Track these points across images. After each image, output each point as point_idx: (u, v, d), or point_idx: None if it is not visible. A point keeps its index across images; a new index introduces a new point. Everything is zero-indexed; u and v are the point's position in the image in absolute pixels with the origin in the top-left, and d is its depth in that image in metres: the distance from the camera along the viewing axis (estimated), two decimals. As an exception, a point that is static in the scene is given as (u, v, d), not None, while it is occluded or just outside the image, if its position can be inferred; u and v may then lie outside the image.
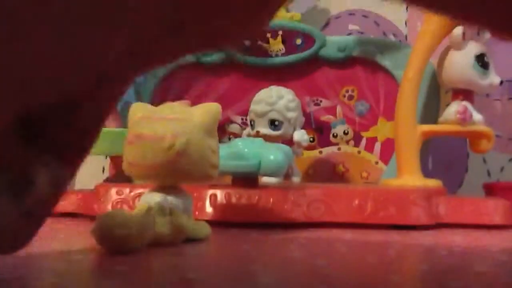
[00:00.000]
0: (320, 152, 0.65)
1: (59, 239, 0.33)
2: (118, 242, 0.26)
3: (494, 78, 0.52)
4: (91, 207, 0.44)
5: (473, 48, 0.51)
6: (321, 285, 0.20)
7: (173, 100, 0.65)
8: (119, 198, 0.43)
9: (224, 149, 0.39)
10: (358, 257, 0.27)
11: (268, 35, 0.66)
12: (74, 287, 0.20)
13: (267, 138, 0.51)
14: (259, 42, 0.66)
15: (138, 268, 0.23)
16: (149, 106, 0.32)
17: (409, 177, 0.50)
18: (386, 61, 0.63)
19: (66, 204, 0.49)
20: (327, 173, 0.64)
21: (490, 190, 0.54)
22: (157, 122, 0.30)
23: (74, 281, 0.21)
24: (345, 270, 0.24)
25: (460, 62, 0.51)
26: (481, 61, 0.51)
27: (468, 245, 0.32)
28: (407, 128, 0.52)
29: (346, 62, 0.65)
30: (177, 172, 0.30)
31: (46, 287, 0.19)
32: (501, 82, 0.52)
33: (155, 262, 0.25)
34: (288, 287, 0.20)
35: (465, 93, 0.52)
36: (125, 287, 0.19)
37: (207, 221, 0.34)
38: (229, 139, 0.66)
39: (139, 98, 0.59)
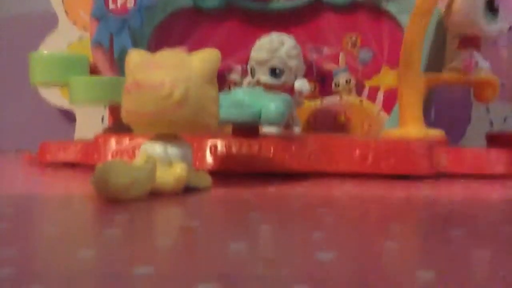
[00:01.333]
0: (322, 101, 0.64)
1: (59, 188, 0.33)
2: (116, 191, 0.26)
3: (503, 24, 0.50)
4: (91, 157, 0.44)
5: (482, -7, 0.49)
6: (321, 232, 0.20)
7: (171, 47, 0.63)
8: (118, 148, 0.43)
9: (224, 98, 0.38)
10: (359, 206, 0.27)
11: (269, -21, 0.63)
12: (75, 235, 0.20)
13: (267, 86, 0.50)
14: (260, -13, 0.64)
15: (138, 217, 0.23)
16: (146, 53, 0.31)
17: (412, 127, 0.49)
18: (391, 6, 0.60)
19: (66, 154, 0.49)
20: (328, 123, 0.64)
21: (493, 140, 0.54)
22: (155, 69, 0.29)
23: (75, 229, 0.21)
24: (345, 218, 0.24)
25: (469, 7, 0.49)
26: (491, 6, 0.49)
27: (469, 194, 0.32)
28: (411, 76, 0.51)
29: (349, 7, 0.63)
30: (176, 121, 0.29)
31: (46, 235, 0.19)
32: (510, 28, 0.51)
33: (156, 211, 0.25)
34: (288, 233, 0.20)
35: (472, 40, 0.50)
36: (126, 235, 0.19)
37: (207, 171, 0.34)
38: (229, 88, 0.65)
39: (135, 45, 0.58)
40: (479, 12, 0.49)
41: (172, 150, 0.30)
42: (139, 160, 0.29)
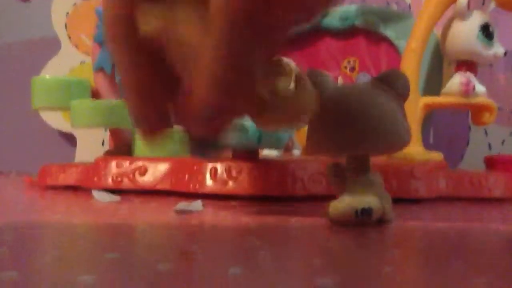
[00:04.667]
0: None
1: (60, 211, 0.33)
2: None
3: (498, 49, 0.51)
4: (91, 180, 0.44)
5: (477, 18, 0.50)
6: (321, 259, 0.20)
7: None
8: (119, 171, 0.43)
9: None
10: (358, 230, 0.27)
11: (269, 5, 0.65)
12: (75, 260, 0.20)
13: (267, 110, 0.51)
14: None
15: (138, 241, 0.23)
16: None
17: (411, 150, 0.50)
18: (388, 31, 0.62)
19: (66, 176, 0.49)
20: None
21: (491, 163, 0.54)
22: None
23: (75, 254, 0.21)
24: (345, 243, 0.24)
25: (464, 32, 0.50)
26: (486, 31, 0.50)
27: (468, 218, 0.32)
28: (409, 100, 0.51)
29: (348, 32, 0.64)
30: None
31: (47, 259, 0.19)
32: (505, 53, 0.51)
33: (156, 236, 0.25)
34: (287, 260, 0.20)
35: (468, 64, 0.51)
36: (126, 260, 0.19)
37: (207, 194, 0.34)
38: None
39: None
40: (474, 38, 0.50)
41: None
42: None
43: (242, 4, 0.18)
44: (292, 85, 0.26)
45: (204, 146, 0.25)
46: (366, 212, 0.27)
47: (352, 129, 0.26)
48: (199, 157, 0.25)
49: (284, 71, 0.27)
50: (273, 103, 0.25)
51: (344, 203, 0.28)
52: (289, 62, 0.27)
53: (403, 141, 0.28)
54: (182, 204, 0.34)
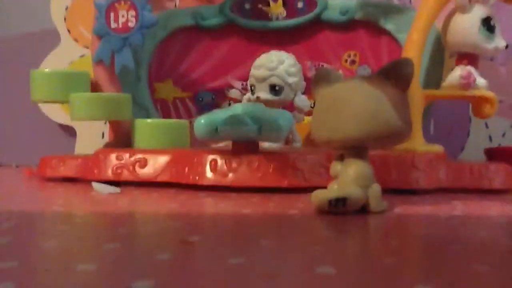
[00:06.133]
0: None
1: (60, 203, 0.33)
2: None
3: (499, 42, 0.50)
4: (91, 172, 0.44)
5: (479, 11, 0.50)
6: (321, 247, 0.20)
7: (171, 63, 0.63)
8: (119, 163, 0.43)
9: (225, 114, 0.38)
10: (358, 220, 0.27)
11: (269, -2, 0.64)
12: (76, 249, 0.20)
13: (267, 103, 0.51)
14: (260, 6, 0.65)
15: (139, 231, 0.23)
16: None
17: (411, 141, 0.49)
18: (389, 25, 0.61)
19: (66, 168, 0.49)
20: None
21: (491, 154, 0.54)
22: None
23: (76, 243, 0.21)
24: (345, 232, 0.24)
25: (466, 26, 0.50)
26: (487, 24, 0.49)
27: (468, 209, 0.32)
28: (410, 93, 0.51)
29: (348, 25, 0.63)
30: None
31: (48, 249, 0.19)
32: (507, 46, 0.51)
33: (156, 226, 0.25)
34: (288, 248, 0.20)
35: (469, 57, 0.51)
36: (126, 249, 0.19)
37: (207, 186, 0.34)
38: (229, 104, 0.65)
39: (137, 61, 0.58)
40: (475, 31, 0.49)
41: None
42: None
43: None
44: None
45: None
46: (339, 201, 0.28)
47: (337, 120, 0.29)
48: None
49: None
50: None
51: (322, 192, 0.29)
52: None
53: (393, 131, 0.28)
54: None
